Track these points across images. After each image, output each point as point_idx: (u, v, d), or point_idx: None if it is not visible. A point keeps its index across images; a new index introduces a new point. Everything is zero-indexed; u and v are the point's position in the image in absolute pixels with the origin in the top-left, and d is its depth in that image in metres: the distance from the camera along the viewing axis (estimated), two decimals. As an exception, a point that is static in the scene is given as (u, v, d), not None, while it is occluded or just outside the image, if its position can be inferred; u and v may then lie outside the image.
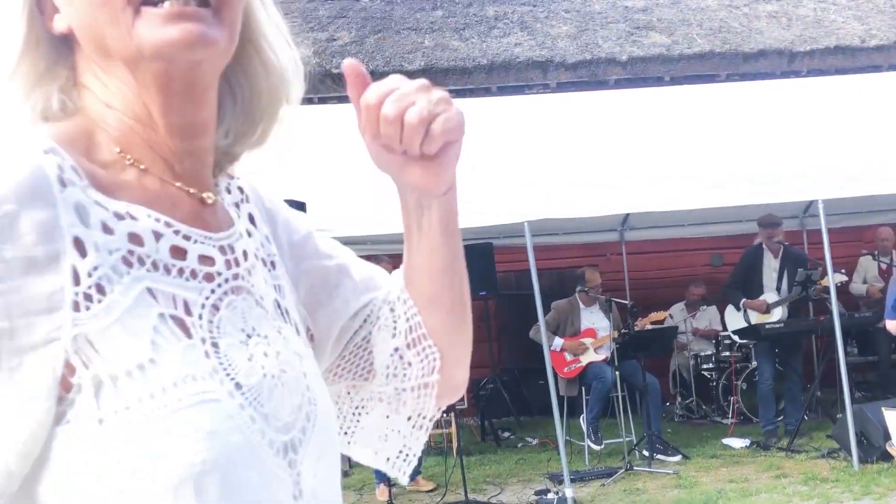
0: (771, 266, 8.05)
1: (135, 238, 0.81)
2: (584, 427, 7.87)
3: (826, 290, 7.36)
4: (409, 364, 1.03)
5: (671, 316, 9.26)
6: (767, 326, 7.77)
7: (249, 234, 0.95)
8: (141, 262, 0.81)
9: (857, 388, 8.90)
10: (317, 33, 10.77)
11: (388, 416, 1.06)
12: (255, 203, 1.01)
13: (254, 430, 0.81)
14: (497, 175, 7.08)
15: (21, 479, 0.75)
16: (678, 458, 7.45)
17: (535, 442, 8.72)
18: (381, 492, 6.80)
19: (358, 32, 10.82)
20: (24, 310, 0.73)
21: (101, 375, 0.75)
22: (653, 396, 7.70)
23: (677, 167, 7.21)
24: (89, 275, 0.76)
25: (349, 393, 1.08)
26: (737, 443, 7.83)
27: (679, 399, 9.55)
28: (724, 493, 6.25)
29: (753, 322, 7.97)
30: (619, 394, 7.74)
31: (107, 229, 0.79)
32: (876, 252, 8.65)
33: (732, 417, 8.65)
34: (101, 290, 0.77)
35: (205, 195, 0.90)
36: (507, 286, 9.88)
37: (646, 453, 7.45)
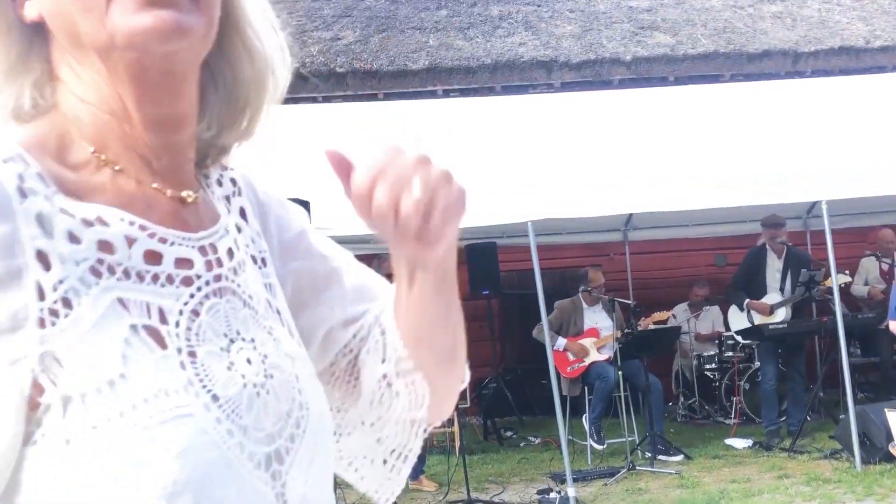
0: (774, 267, 8.05)
1: (105, 245, 0.77)
2: (586, 427, 7.87)
3: (829, 290, 7.36)
4: (397, 394, 0.97)
5: (674, 316, 9.26)
6: (771, 327, 7.77)
7: (239, 230, 0.92)
8: (111, 270, 0.76)
9: (859, 389, 8.90)
10: (321, 32, 10.78)
11: (369, 443, 1.02)
12: (248, 196, 0.97)
13: (231, 444, 0.77)
14: (501, 174, 7.08)
15: None
16: (680, 458, 7.45)
17: (537, 441, 8.72)
18: (384, 490, 6.79)
19: (362, 31, 10.83)
20: None
21: (70, 393, 0.71)
22: (655, 396, 7.71)
23: (681, 167, 7.21)
24: (54, 289, 0.72)
25: (337, 410, 1.03)
26: (739, 443, 7.83)
27: (682, 399, 9.54)
28: (727, 494, 6.25)
29: (757, 322, 7.97)
30: (622, 394, 7.74)
31: (73, 238, 0.75)
32: (879, 253, 8.64)
33: (735, 418, 8.65)
34: (67, 303, 0.73)
35: (184, 194, 0.85)
36: (511, 285, 9.88)
37: (648, 453, 7.45)
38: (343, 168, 0.86)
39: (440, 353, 0.99)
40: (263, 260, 0.94)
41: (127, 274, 0.77)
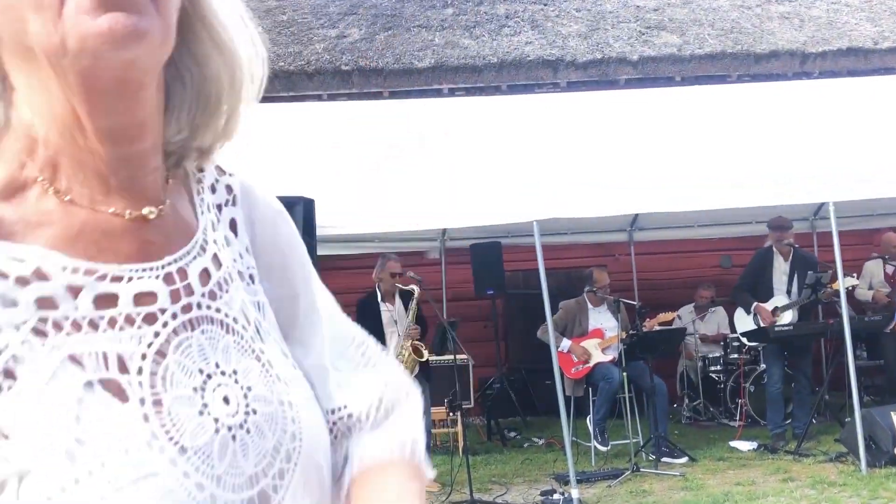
0: (781, 268, 8.02)
1: (46, 302, 0.70)
2: (590, 428, 7.85)
3: (836, 293, 7.33)
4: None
5: (679, 317, 9.24)
6: (776, 329, 7.74)
7: (228, 243, 0.86)
8: (58, 327, 0.70)
9: (865, 392, 8.87)
10: (327, 30, 10.77)
11: None
12: (243, 206, 0.90)
13: (201, 498, 0.72)
14: (506, 174, 7.07)
15: None
16: (685, 460, 7.42)
17: (541, 442, 8.71)
18: (387, 490, 6.78)
19: (368, 29, 10.81)
20: None
21: (24, 467, 0.66)
22: (660, 398, 7.68)
23: (687, 168, 7.19)
24: None
25: None
26: (744, 445, 7.80)
27: (686, 401, 9.52)
28: (731, 496, 6.22)
29: (762, 324, 7.94)
30: (626, 395, 7.71)
31: (8, 302, 0.69)
32: (887, 256, 8.61)
33: (740, 420, 8.61)
34: (10, 374, 0.67)
35: (145, 211, 0.78)
36: (515, 285, 9.87)
37: (652, 455, 7.43)
38: None
39: None
40: (252, 276, 0.87)
41: (77, 326, 0.71)
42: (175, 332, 0.76)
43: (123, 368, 0.72)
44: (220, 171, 0.91)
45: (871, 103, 8.01)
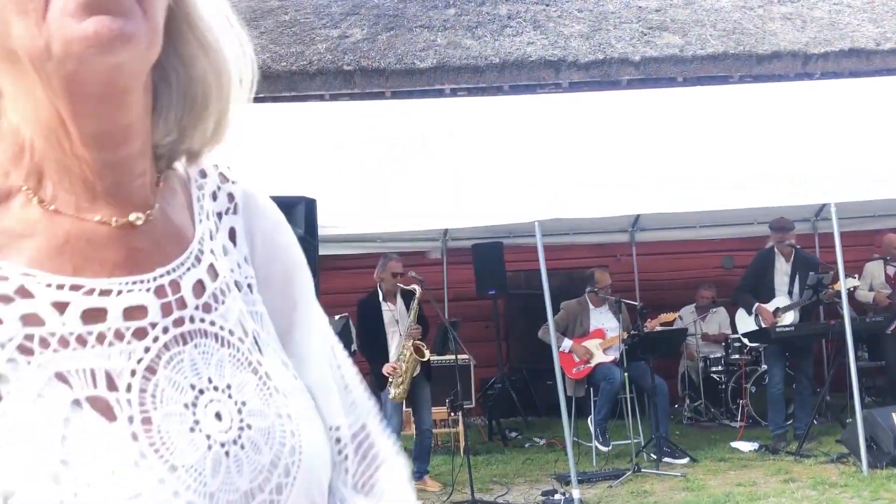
0: (782, 269, 8.01)
1: (31, 318, 0.69)
2: (591, 428, 7.85)
3: (837, 294, 7.33)
4: None
5: (681, 318, 9.24)
6: (778, 330, 7.74)
7: (226, 252, 0.84)
8: (44, 343, 0.69)
9: (866, 392, 8.86)
10: (329, 30, 10.78)
11: None
12: (244, 215, 0.88)
13: None
14: (508, 174, 7.07)
15: None
16: (686, 460, 7.42)
17: (542, 442, 8.71)
18: (388, 490, 6.78)
19: (370, 29, 10.82)
20: None
21: (9, 488, 0.64)
22: (661, 398, 7.68)
23: (689, 168, 7.19)
24: None
25: None
26: (745, 446, 7.80)
27: (688, 401, 9.52)
28: (732, 497, 6.22)
29: (764, 325, 7.94)
30: (628, 395, 7.72)
31: None
32: (888, 257, 8.61)
33: (741, 420, 8.61)
34: None
35: (132, 217, 0.76)
36: (517, 286, 9.87)
37: (653, 455, 7.43)
38: None
39: None
40: (250, 286, 0.85)
41: (64, 343, 0.69)
42: (166, 346, 0.74)
43: (112, 386, 0.70)
44: (224, 178, 0.89)
45: (873, 104, 8.01)
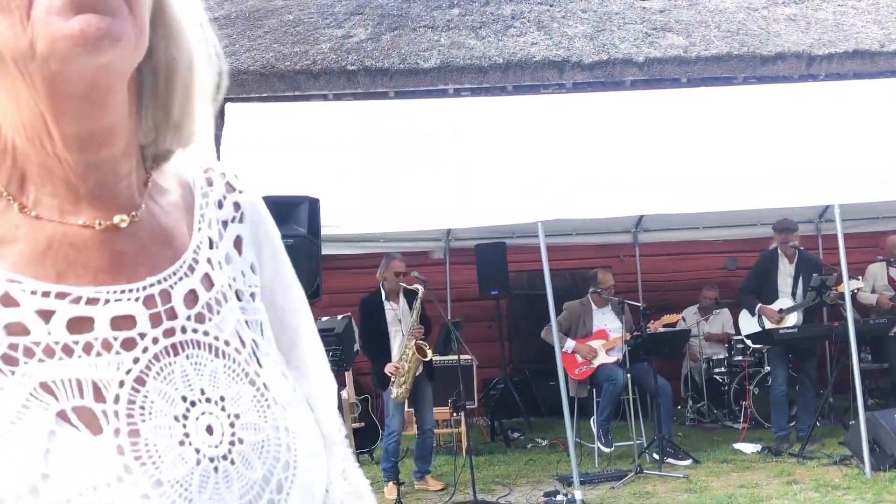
0: (786, 271, 8.00)
1: (16, 328, 0.67)
2: (594, 429, 7.84)
3: (840, 296, 7.32)
4: None
5: (684, 319, 9.23)
6: (781, 331, 7.73)
7: (229, 261, 0.83)
8: (29, 353, 0.67)
9: (869, 395, 8.86)
10: (333, 30, 10.77)
11: None
12: (250, 224, 0.87)
13: None
14: (511, 174, 7.07)
15: None
16: (689, 462, 7.42)
17: (544, 443, 8.70)
18: (390, 490, 6.80)
19: (374, 29, 10.81)
20: None
21: None
22: (664, 399, 7.67)
23: (692, 169, 7.18)
24: None
25: None
26: (748, 448, 7.79)
27: (690, 403, 9.51)
28: (735, 499, 6.22)
29: (767, 327, 7.93)
30: (630, 396, 7.71)
31: None
32: (891, 259, 8.59)
33: (744, 422, 8.60)
34: None
35: (116, 220, 0.74)
36: (520, 286, 9.86)
37: (656, 457, 7.42)
38: None
39: None
40: (252, 295, 0.84)
41: (49, 352, 0.67)
42: (156, 357, 0.72)
43: (99, 397, 0.68)
44: (230, 187, 0.88)
45: (878, 106, 8.00)
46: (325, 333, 6.26)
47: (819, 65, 10.51)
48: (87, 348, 0.69)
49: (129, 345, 0.71)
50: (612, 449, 7.84)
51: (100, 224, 0.73)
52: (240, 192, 0.88)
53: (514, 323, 10.34)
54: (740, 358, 8.92)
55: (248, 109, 8.06)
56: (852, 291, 7.30)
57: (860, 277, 7.81)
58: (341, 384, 7.74)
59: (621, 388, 7.69)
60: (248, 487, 0.74)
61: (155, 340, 0.72)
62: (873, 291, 8.82)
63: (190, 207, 0.84)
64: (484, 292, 8.83)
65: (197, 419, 0.73)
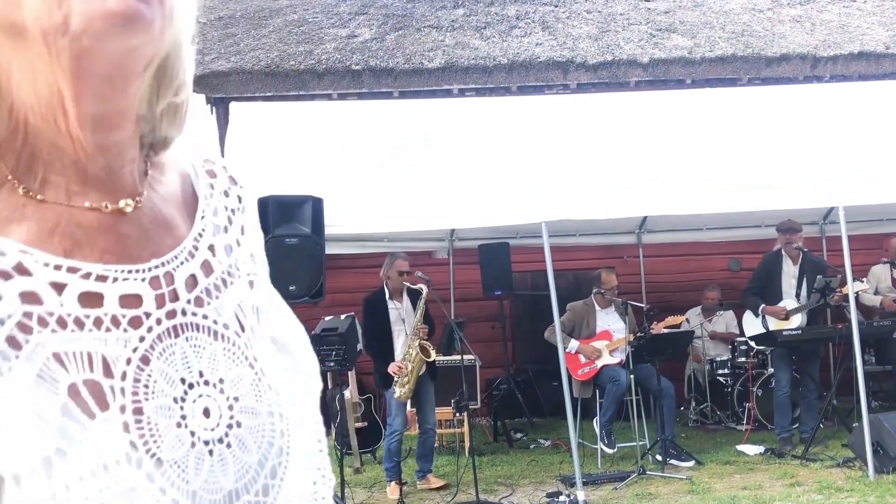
0: (790, 272, 7.99)
1: (30, 296, 0.67)
2: (597, 430, 7.84)
3: (844, 297, 7.31)
4: None
5: (687, 320, 9.22)
6: (785, 333, 7.72)
7: (232, 249, 0.84)
8: (42, 322, 0.67)
9: (873, 397, 8.84)
10: (337, 30, 10.78)
11: None
12: (250, 219, 0.89)
13: None
14: (515, 175, 7.07)
15: None
16: (692, 463, 7.41)
17: (547, 444, 8.70)
18: (392, 489, 6.80)
19: (378, 29, 10.82)
20: None
21: (4, 475, 0.63)
22: (667, 401, 7.67)
23: (696, 170, 7.18)
24: None
25: None
26: (751, 449, 7.79)
27: (693, 404, 9.50)
28: (738, 500, 6.21)
29: (771, 328, 7.92)
30: (634, 397, 7.71)
31: None
32: (895, 261, 8.58)
33: (747, 424, 8.59)
34: None
35: (122, 204, 0.75)
36: (523, 286, 9.86)
37: (659, 458, 7.42)
38: None
39: None
40: (251, 283, 0.84)
41: (62, 324, 0.68)
42: (160, 338, 0.73)
43: (108, 372, 0.69)
44: (233, 180, 0.90)
45: (882, 107, 8.00)
46: (328, 333, 6.27)
47: (824, 66, 10.49)
48: (98, 323, 0.70)
49: (135, 323, 0.72)
50: (615, 450, 7.84)
51: (107, 207, 0.74)
52: (241, 186, 0.90)
53: (518, 323, 10.35)
54: (744, 359, 8.91)
55: (253, 109, 8.09)
56: (856, 293, 7.29)
57: (864, 279, 7.79)
58: (344, 383, 7.75)
59: (624, 389, 7.69)
60: (244, 471, 0.74)
61: (159, 321, 0.73)
62: (877, 293, 8.81)
63: (188, 198, 0.84)
64: (487, 292, 8.83)
65: (194, 402, 0.73)
